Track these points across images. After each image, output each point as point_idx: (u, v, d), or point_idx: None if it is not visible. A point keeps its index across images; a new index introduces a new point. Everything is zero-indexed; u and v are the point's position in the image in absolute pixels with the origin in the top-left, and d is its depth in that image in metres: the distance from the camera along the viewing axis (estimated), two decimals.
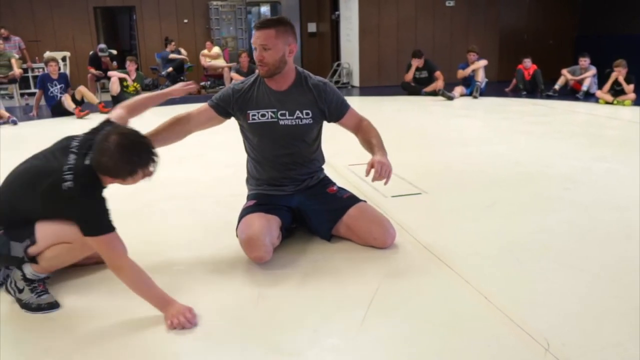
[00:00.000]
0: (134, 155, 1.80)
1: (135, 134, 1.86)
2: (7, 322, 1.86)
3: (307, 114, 2.32)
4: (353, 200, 2.44)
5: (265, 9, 14.44)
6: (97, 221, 1.79)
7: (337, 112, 2.41)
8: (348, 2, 10.58)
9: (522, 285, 2.04)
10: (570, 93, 8.09)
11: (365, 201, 2.50)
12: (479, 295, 1.94)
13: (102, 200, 1.84)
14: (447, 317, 1.81)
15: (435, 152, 4.50)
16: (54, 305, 1.91)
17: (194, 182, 3.64)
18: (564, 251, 2.34)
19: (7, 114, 6.77)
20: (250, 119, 2.31)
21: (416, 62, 8.50)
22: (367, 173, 2.21)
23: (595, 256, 2.28)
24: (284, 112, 2.30)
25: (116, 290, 1.91)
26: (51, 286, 2.03)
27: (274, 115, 2.29)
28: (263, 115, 2.29)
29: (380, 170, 2.17)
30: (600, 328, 1.73)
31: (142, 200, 3.15)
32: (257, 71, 2.32)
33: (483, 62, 8.25)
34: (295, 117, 2.30)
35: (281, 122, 2.30)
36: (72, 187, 1.77)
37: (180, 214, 2.96)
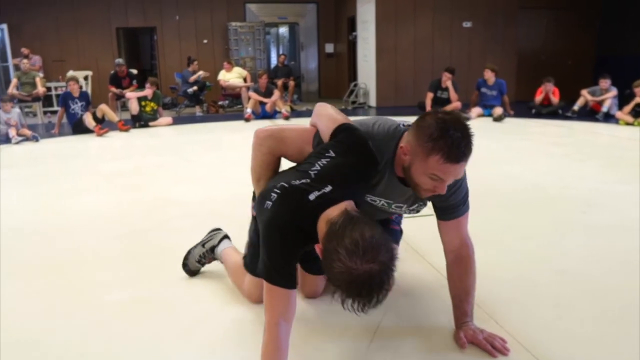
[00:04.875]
0: (360, 290, 1.24)
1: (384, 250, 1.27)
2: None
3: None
4: None
5: (283, 30, 14.67)
6: (264, 257, 1.43)
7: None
8: (365, 22, 10.65)
9: (536, 309, 1.99)
10: (590, 114, 7.99)
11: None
12: (490, 320, 1.90)
13: (292, 244, 1.42)
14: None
15: None
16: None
17: (211, 201, 3.61)
18: (581, 275, 2.29)
19: (29, 132, 6.92)
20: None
21: (447, 77, 8.42)
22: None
23: (613, 280, 2.22)
24: (399, 205, 1.91)
25: None
26: None
27: (386, 205, 1.90)
28: (373, 201, 1.87)
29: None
30: (617, 353, 1.68)
31: (158, 218, 3.16)
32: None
33: (499, 109, 8.08)
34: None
35: (392, 209, 1.94)
36: (269, 208, 1.41)
37: (195, 232, 2.96)
